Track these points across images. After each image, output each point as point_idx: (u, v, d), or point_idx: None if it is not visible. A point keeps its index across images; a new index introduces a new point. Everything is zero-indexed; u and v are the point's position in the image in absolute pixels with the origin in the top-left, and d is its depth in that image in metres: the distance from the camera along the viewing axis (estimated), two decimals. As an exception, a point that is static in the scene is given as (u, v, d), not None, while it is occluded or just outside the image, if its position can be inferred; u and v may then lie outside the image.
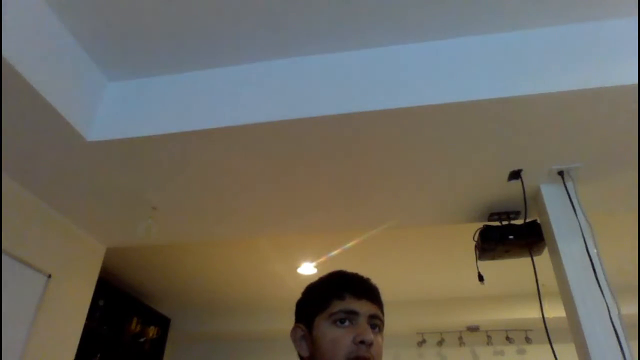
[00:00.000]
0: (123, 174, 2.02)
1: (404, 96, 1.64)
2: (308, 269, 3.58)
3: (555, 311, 2.02)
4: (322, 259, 3.41)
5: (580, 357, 1.72)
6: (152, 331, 4.14)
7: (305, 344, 0.89)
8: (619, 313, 1.64)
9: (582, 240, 1.78)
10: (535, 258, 2.04)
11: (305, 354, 0.89)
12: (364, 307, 0.88)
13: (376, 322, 0.89)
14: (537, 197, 2.03)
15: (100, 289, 2.92)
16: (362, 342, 0.82)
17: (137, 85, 1.91)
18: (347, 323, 0.86)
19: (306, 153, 1.87)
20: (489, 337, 4.40)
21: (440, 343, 4.44)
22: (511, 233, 2.07)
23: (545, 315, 1.86)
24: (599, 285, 1.69)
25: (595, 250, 1.76)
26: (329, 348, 0.84)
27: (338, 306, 0.87)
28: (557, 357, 1.73)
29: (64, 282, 2.38)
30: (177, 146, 1.83)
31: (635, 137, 1.74)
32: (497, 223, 2.19)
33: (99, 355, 3.45)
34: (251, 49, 1.79)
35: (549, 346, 1.75)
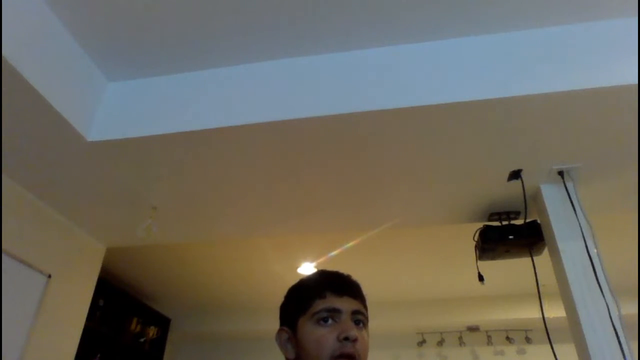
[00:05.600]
0: (123, 174, 2.02)
1: (404, 96, 1.64)
2: (308, 269, 3.57)
3: (555, 311, 2.02)
4: (322, 259, 3.41)
5: (580, 357, 1.72)
6: (152, 331, 4.14)
7: (291, 346, 0.90)
8: (619, 313, 1.64)
9: (582, 240, 1.78)
10: (535, 258, 2.04)
11: (292, 356, 0.89)
12: (346, 304, 0.88)
13: (359, 318, 0.89)
14: (537, 197, 2.03)
15: (100, 289, 2.92)
16: (346, 338, 0.83)
17: (137, 85, 1.91)
18: (330, 321, 0.86)
19: (305, 153, 1.87)
20: (489, 337, 4.40)
21: (441, 343, 4.44)
22: (511, 233, 2.07)
23: (545, 315, 1.86)
24: (599, 285, 1.69)
25: (595, 250, 1.76)
26: (314, 348, 0.84)
27: (320, 305, 0.87)
28: (557, 357, 1.74)
29: (64, 282, 2.38)
30: (177, 146, 1.83)
31: (635, 137, 1.74)
32: (497, 223, 2.19)
33: (99, 355, 3.45)
34: (251, 49, 1.79)
35: (549, 346, 1.76)
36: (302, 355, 0.86)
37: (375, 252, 3.32)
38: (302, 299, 0.91)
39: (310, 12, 1.64)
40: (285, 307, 0.97)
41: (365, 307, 0.93)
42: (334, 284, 0.91)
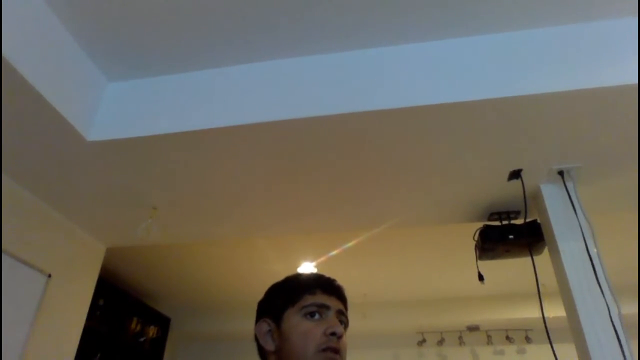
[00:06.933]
0: (123, 174, 2.02)
1: (404, 96, 1.64)
2: (308, 269, 3.58)
3: (555, 311, 2.02)
4: (322, 259, 3.41)
5: (580, 357, 1.72)
6: (152, 331, 4.14)
7: (271, 338, 0.90)
8: (619, 313, 1.64)
9: (582, 240, 1.78)
10: (535, 258, 2.04)
11: (271, 348, 0.89)
12: (334, 303, 0.91)
13: (342, 319, 0.92)
14: (537, 196, 2.03)
15: (100, 288, 2.92)
16: (333, 333, 0.85)
17: (137, 85, 1.91)
18: (317, 316, 0.88)
19: (306, 153, 1.87)
20: (489, 336, 4.40)
21: (441, 343, 4.45)
22: (511, 233, 2.07)
23: (545, 315, 1.86)
24: (599, 285, 1.69)
25: (595, 250, 1.76)
26: (300, 340, 0.85)
27: (310, 300, 0.90)
28: (557, 357, 1.73)
29: (64, 282, 2.38)
30: (177, 146, 1.83)
31: (635, 137, 1.74)
32: (497, 223, 2.19)
33: (99, 355, 3.45)
34: (251, 49, 1.79)
35: (549, 346, 1.75)
36: (285, 347, 0.86)
37: (375, 252, 3.31)
38: (291, 292, 0.93)
39: (310, 12, 1.64)
40: (268, 300, 0.98)
41: (347, 310, 0.96)
42: (323, 283, 0.94)
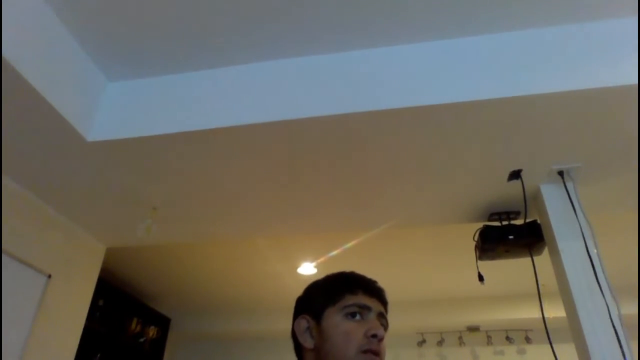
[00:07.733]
0: (123, 174, 2.02)
1: (403, 96, 1.64)
2: (308, 269, 3.58)
3: (555, 311, 2.02)
4: (322, 259, 3.41)
5: (580, 357, 1.72)
6: (152, 331, 4.14)
7: (310, 335, 0.90)
8: (619, 313, 1.64)
9: (582, 240, 1.78)
10: (535, 258, 2.04)
11: (310, 345, 0.89)
12: (375, 304, 0.91)
13: (383, 322, 0.91)
14: (537, 197, 2.03)
15: (100, 289, 2.92)
16: (374, 335, 0.84)
17: (137, 85, 1.91)
18: (358, 317, 0.88)
19: (306, 153, 1.87)
20: (489, 337, 4.40)
21: (441, 343, 4.45)
22: (511, 233, 2.07)
23: (545, 315, 1.86)
24: (599, 285, 1.68)
25: (595, 250, 1.76)
26: (341, 340, 0.85)
27: (351, 300, 0.89)
28: (557, 357, 1.73)
29: (64, 282, 2.38)
30: (177, 146, 1.83)
31: (635, 137, 1.74)
32: (497, 223, 2.19)
33: (99, 355, 3.45)
34: (251, 49, 1.79)
35: (549, 346, 1.75)
36: (325, 346, 0.86)
37: (375, 252, 3.32)
38: (332, 291, 0.92)
39: (310, 12, 1.64)
40: (308, 297, 0.97)
41: (387, 312, 0.95)
42: (366, 284, 0.94)
